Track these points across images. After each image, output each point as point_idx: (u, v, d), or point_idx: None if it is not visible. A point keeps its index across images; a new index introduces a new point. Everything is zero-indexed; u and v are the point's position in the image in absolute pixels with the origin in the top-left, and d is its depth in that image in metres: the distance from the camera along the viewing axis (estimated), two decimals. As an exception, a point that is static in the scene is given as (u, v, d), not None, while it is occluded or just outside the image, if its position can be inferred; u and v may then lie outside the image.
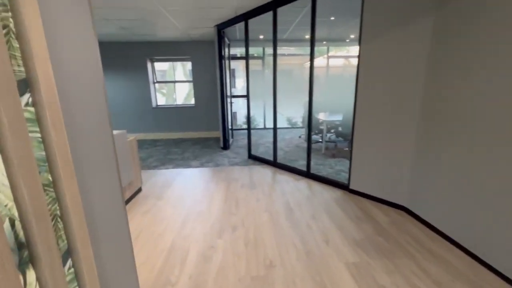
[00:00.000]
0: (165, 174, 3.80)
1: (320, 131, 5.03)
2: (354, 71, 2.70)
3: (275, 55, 3.69)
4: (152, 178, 3.63)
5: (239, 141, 6.03)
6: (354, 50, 6.59)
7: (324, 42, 6.53)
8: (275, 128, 4.00)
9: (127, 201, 2.80)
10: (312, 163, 3.54)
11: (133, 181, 2.85)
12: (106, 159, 0.90)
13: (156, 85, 6.66)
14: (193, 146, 5.65)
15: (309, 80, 3.21)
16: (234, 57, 6.51)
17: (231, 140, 5.66)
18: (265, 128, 7.54)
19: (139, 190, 3.11)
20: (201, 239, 2.16)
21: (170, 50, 6.15)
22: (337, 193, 3.01)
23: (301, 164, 3.90)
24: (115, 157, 0.95)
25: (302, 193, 3.03)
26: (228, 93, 5.45)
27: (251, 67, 4.42)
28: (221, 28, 4.59)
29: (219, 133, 5.28)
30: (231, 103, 5.71)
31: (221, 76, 4.85)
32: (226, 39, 5.12)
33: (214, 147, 5.48)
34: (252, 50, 6.84)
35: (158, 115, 6.55)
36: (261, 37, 5.68)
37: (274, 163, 4.08)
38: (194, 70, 6.30)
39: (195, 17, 4.13)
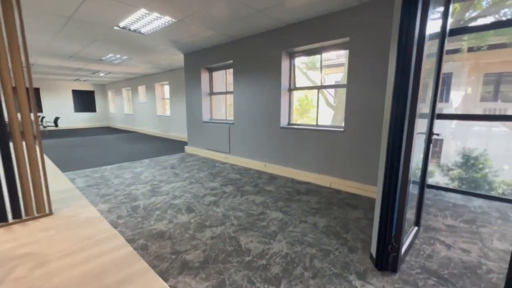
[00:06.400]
0: None
1: None
2: None
3: None
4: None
5: (458, 240, 2.27)
6: None
7: None
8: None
9: None
10: None
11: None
12: None
13: (294, 92, 4.36)
14: (313, 216, 2.68)
15: None
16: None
17: (412, 233, 2.10)
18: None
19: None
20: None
21: (314, 32, 3.60)
22: None
23: None
24: None
25: None
26: (431, 109, 2.00)
27: None
28: None
29: (376, 195, 1.92)
30: (429, 132, 2.22)
31: (402, 67, 1.60)
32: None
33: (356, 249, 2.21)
34: None
35: (287, 137, 4.21)
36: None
37: None
38: (352, 64, 3.32)
39: None
